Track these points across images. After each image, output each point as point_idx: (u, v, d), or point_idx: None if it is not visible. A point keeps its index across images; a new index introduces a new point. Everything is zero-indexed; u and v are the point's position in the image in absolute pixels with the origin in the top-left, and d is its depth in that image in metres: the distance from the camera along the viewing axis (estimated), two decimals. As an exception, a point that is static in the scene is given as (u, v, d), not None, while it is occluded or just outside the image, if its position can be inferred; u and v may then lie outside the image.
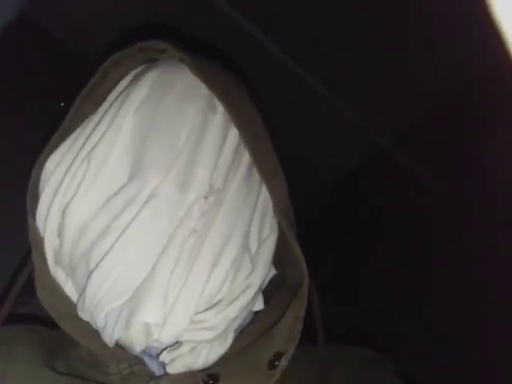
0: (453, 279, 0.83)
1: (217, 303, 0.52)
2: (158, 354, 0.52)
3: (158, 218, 0.50)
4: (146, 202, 0.51)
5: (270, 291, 0.57)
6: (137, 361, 0.53)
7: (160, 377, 0.52)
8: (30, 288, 0.55)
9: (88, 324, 0.53)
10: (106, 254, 0.50)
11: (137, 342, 0.50)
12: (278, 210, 0.56)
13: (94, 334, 0.52)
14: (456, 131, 0.82)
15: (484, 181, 0.77)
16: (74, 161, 0.54)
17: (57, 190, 0.53)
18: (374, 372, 0.59)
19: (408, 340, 0.85)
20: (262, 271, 0.55)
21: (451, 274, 0.83)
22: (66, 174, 0.54)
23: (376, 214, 0.96)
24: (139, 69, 0.60)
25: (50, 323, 0.54)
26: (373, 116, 0.90)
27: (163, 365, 0.52)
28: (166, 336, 0.49)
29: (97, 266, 0.50)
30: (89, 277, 0.51)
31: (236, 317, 0.53)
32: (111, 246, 0.50)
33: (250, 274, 0.54)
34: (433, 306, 0.83)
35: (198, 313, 0.50)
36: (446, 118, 0.84)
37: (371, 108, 0.89)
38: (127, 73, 0.59)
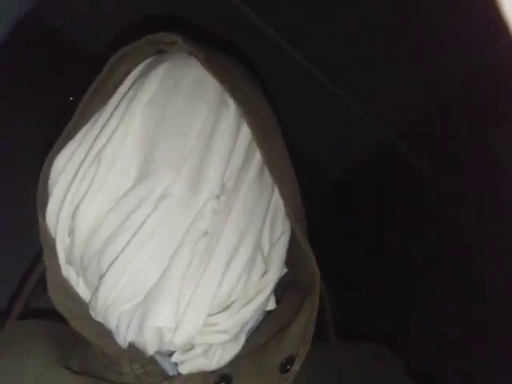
0: (453, 278, 0.83)
1: (230, 305, 0.51)
2: (170, 354, 0.52)
3: (170, 220, 0.49)
4: (158, 202, 0.50)
5: (281, 288, 0.56)
6: (150, 360, 0.53)
7: (173, 377, 0.52)
8: (43, 283, 0.54)
9: (100, 324, 0.52)
10: (117, 256, 0.49)
11: (150, 345, 0.50)
12: (290, 210, 0.55)
13: (107, 334, 0.52)
14: (458, 129, 0.82)
15: (484, 178, 0.77)
16: (83, 160, 0.53)
17: (67, 191, 0.53)
18: (385, 371, 0.59)
19: (421, 339, 0.85)
20: (275, 272, 0.54)
21: (451, 272, 0.83)
22: (75, 174, 0.53)
23: (378, 212, 0.96)
24: (147, 62, 0.58)
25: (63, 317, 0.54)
26: (377, 112, 0.91)
27: (176, 364, 0.52)
28: (178, 339, 0.48)
29: (108, 267, 0.50)
30: (101, 278, 0.50)
31: (250, 319, 0.52)
32: (122, 248, 0.49)
33: (263, 276, 0.53)
34: (445, 305, 0.83)
35: (211, 315, 0.50)
36: (449, 113, 0.84)
37: (375, 104, 0.89)
38: (135, 66, 0.58)
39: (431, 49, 0.76)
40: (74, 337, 0.53)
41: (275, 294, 0.56)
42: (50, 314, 0.54)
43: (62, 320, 0.54)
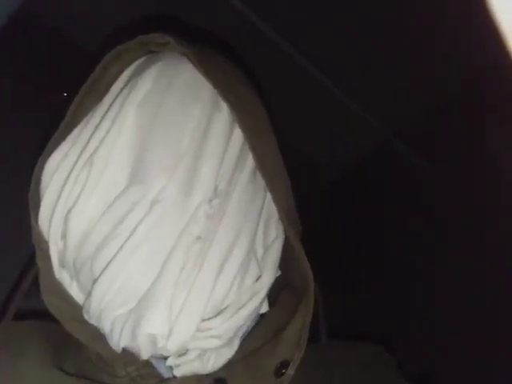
0: (453, 278, 0.83)
1: (223, 310, 0.51)
2: (165, 357, 0.52)
3: (163, 224, 0.49)
4: (150, 207, 0.49)
5: (274, 290, 0.56)
6: (145, 363, 0.52)
7: (168, 380, 0.52)
8: (38, 284, 0.54)
9: (94, 327, 0.52)
10: (110, 261, 0.49)
11: (143, 351, 0.49)
12: (282, 213, 0.55)
13: (101, 336, 0.51)
14: (458, 129, 0.82)
15: (484, 178, 0.77)
16: (76, 162, 0.52)
17: (59, 194, 0.52)
18: (383, 371, 0.59)
19: (421, 339, 0.85)
20: (269, 276, 0.54)
21: (451, 272, 0.83)
22: (68, 176, 0.52)
23: (377, 212, 0.96)
24: (141, 61, 0.58)
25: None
26: (376, 112, 0.91)
27: (171, 367, 0.52)
28: (172, 345, 0.48)
29: (101, 272, 0.49)
30: (94, 282, 0.50)
31: (243, 324, 0.52)
32: (115, 253, 0.49)
33: (257, 280, 0.53)
34: (445, 305, 0.83)
35: (204, 320, 0.50)
36: (449, 113, 0.84)
37: (375, 104, 0.89)
38: (128, 65, 0.58)
39: (431, 49, 0.76)
40: (68, 338, 0.53)
41: (268, 296, 0.55)
42: (45, 315, 0.54)
43: (56, 321, 0.53)
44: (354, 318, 0.85)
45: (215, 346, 0.50)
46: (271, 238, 0.56)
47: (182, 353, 0.51)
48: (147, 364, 0.52)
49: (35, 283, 0.55)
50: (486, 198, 0.79)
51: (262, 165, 0.54)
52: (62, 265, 0.54)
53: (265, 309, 0.55)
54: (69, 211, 0.51)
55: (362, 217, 0.98)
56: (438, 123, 0.86)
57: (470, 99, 0.79)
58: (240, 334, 0.53)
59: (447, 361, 0.81)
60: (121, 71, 0.57)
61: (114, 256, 0.49)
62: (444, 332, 0.83)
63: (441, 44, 0.75)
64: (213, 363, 0.51)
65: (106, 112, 0.54)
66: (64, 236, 0.52)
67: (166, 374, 0.52)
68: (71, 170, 0.52)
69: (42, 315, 0.55)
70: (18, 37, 0.74)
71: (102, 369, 0.54)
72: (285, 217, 0.54)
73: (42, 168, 0.54)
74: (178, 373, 0.51)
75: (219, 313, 0.51)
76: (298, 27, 0.81)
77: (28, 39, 0.80)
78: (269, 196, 0.55)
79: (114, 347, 0.50)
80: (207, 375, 0.52)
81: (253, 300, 0.52)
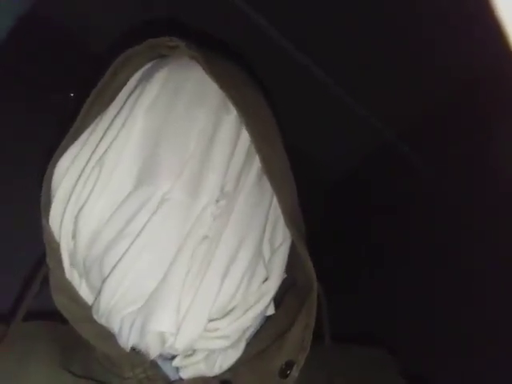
0: (453, 278, 0.83)
1: (231, 311, 0.51)
2: (172, 358, 0.52)
3: (169, 225, 0.50)
4: (157, 208, 0.50)
5: (279, 292, 0.56)
6: (152, 365, 0.53)
7: (174, 381, 0.52)
8: (48, 284, 0.54)
9: (103, 327, 0.52)
10: (119, 260, 0.50)
11: (152, 349, 0.50)
12: (287, 216, 0.55)
13: (109, 337, 0.52)
14: (458, 129, 0.82)
15: (484, 178, 0.77)
16: (86, 165, 0.53)
17: (69, 195, 0.53)
18: (381, 374, 0.59)
19: (412, 340, 0.85)
20: (276, 279, 0.54)
21: (451, 273, 0.84)
22: (78, 178, 0.53)
23: (378, 212, 0.97)
24: (149, 66, 0.58)
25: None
26: (377, 112, 0.91)
27: (177, 368, 0.52)
28: (180, 344, 0.49)
29: (110, 271, 0.50)
30: (103, 282, 0.50)
31: (250, 325, 0.53)
32: (124, 253, 0.50)
33: (264, 282, 0.53)
34: (445, 306, 0.83)
35: (212, 320, 0.50)
36: (449, 113, 0.84)
37: (375, 104, 0.89)
38: (137, 70, 0.58)
39: (431, 49, 0.76)
40: (76, 339, 0.53)
41: (274, 299, 0.55)
42: (54, 315, 0.54)
43: (65, 321, 0.54)
44: (354, 318, 0.85)
45: (222, 346, 0.51)
46: (278, 241, 0.56)
47: (189, 353, 0.51)
48: (154, 366, 0.53)
49: (46, 282, 0.55)
50: (486, 198, 0.79)
51: (268, 168, 0.54)
52: (73, 264, 0.54)
53: (271, 311, 0.56)
54: (79, 211, 0.52)
55: (363, 217, 0.98)
56: (438, 123, 0.86)
57: (470, 99, 0.79)
58: (247, 335, 0.53)
59: (447, 361, 0.81)
60: (130, 76, 0.58)
61: (123, 255, 0.49)
62: (444, 332, 0.83)
63: (441, 44, 0.75)
64: (219, 365, 0.51)
65: (116, 116, 0.55)
66: (74, 235, 0.53)
67: (173, 376, 0.53)
68: (81, 171, 0.53)
69: (52, 315, 0.55)
70: (21, 38, 0.74)
71: (109, 370, 0.54)
72: (289, 219, 0.55)
73: (52, 169, 0.55)
74: (184, 375, 0.52)
75: (227, 314, 0.51)
76: (300, 27, 0.82)
77: (31, 40, 0.80)
78: (275, 199, 0.56)
79: (122, 346, 0.50)
80: (213, 377, 0.52)
81: (260, 302, 0.52)
